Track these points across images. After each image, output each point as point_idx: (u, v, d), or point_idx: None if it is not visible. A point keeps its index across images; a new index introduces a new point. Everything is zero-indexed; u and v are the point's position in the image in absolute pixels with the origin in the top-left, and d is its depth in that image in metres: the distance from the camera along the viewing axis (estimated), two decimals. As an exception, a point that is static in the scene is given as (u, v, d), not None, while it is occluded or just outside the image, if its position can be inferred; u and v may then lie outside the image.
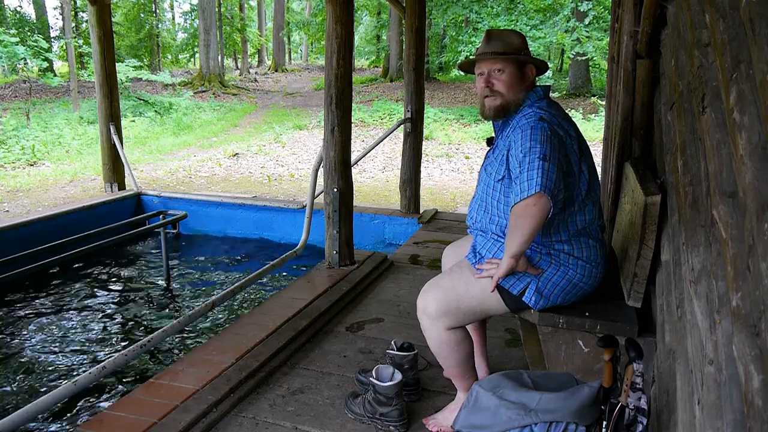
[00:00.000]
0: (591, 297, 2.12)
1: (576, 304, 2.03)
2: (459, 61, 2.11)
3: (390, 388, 2.12)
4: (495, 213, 2.00)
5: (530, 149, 1.81)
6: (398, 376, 2.16)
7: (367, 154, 5.91)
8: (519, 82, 1.98)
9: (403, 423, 2.16)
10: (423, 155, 5.81)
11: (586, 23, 13.31)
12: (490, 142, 2.16)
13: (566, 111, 2.10)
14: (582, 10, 13.21)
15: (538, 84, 2.06)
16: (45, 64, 14.08)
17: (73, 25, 19.58)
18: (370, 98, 17.62)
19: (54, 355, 3.62)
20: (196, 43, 24.98)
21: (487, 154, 2.14)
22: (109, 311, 4.32)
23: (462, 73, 14.72)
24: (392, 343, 2.43)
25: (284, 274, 5.00)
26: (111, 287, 4.77)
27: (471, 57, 2.11)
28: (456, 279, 2.01)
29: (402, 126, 5.31)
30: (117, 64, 6.75)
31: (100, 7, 5.71)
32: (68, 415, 2.98)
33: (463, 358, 2.08)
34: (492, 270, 1.91)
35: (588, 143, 2.07)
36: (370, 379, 2.19)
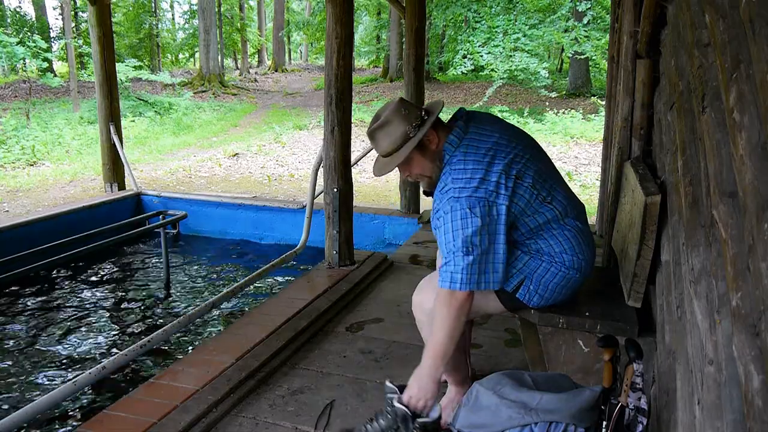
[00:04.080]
0: (591, 297, 2.12)
1: (576, 304, 2.03)
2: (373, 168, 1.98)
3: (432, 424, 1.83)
4: None
5: (453, 238, 1.75)
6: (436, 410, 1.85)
7: (367, 154, 5.91)
8: (429, 155, 1.88)
9: None
10: (423, 155, 5.81)
11: (585, 23, 13.31)
12: (426, 193, 2.04)
13: (500, 117, 1.93)
14: (580, 10, 13.21)
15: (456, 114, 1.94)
16: (44, 65, 14.08)
17: (73, 25, 19.59)
18: (370, 98, 17.63)
19: (54, 355, 3.62)
20: (195, 43, 24.97)
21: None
22: (109, 311, 4.32)
23: (462, 73, 14.77)
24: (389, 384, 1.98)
25: (284, 274, 5.00)
26: (111, 287, 4.78)
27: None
28: None
29: (402, 126, 5.30)
30: (117, 64, 6.75)
31: (100, 7, 5.71)
32: (68, 415, 2.98)
33: (456, 353, 2.07)
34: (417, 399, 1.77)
35: (537, 143, 2.02)
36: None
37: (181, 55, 30.12)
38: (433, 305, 1.96)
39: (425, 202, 6.37)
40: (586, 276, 1.99)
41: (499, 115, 13.12)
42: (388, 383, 1.99)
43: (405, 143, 1.84)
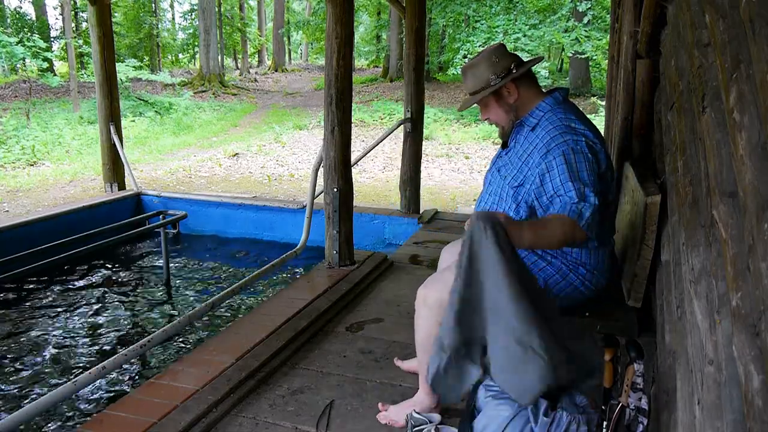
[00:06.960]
0: (590, 297, 2.12)
1: (575, 306, 2.02)
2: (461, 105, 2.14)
3: None
4: None
5: (577, 179, 1.77)
6: None
7: (367, 154, 5.91)
8: (504, 106, 1.99)
9: None
10: (423, 155, 5.82)
11: (585, 23, 13.30)
12: (504, 144, 2.09)
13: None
14: (580, 10, 13.21)
15: (549, 86, 2.01)
16: (44, 65, 14.07)
17: (73, 25, 19.58)
18: (370, 98, 17.62)
19: (54, 355, 3.62)
20: (196, 43, 24.98)
21: (499, 153, 2.09)
22: (108, 311, 4.32)
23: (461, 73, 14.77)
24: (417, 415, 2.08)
25: (284, 274, 5.00)
26: (111, 287, 4.77)
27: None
28: None
29: (402, 126, 5.31)
30: (117, 64, 6.75)
31: (100, 7, 5.71)
32: (68, 415, 2.98)
33: None
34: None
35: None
36: None
37: (181, 55, 30.11)
38: (438, 296, 1.96)
39: (425, 202, 6.37)
40: (593, 295, 1.98)
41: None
42: (415, 414, 2.03)
43: (484, 89, 1.96)
